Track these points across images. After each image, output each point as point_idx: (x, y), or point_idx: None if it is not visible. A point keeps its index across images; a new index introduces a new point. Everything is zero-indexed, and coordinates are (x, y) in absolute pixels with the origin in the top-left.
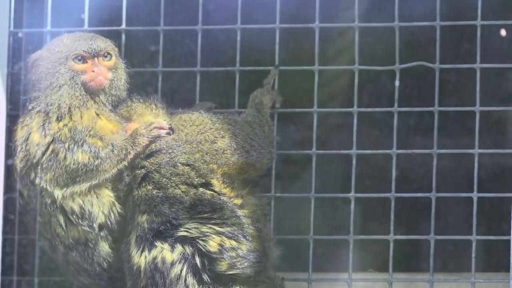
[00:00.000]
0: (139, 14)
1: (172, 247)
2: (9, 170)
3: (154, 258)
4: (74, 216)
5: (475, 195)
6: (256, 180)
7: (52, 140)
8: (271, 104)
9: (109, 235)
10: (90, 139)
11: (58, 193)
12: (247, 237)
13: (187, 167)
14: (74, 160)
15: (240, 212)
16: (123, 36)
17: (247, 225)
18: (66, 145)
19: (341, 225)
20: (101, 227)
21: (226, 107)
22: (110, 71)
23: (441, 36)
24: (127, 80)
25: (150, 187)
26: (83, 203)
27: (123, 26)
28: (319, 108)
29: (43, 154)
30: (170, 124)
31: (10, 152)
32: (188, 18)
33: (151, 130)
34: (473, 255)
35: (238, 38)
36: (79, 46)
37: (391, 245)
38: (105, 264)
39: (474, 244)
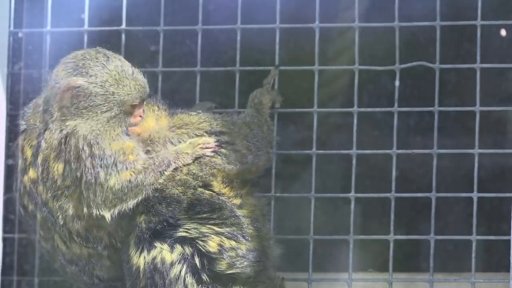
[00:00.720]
0: (139, 14)
1: (172, 248)
2: (9, 170)
3: (154, 259)
4: (79, 238)
5: (475, 195)
6: (255, 180)
7: (81, 174)
8: (271, 104)
9: (114, 253)
10: (122, 157)
11: (107, 215)
12: (246, 237)
13: (185, 176)
14: (117, 180)
15: (239, 212)
16: (123, 36)
17: (246, 225)
18: (103, 169)
19: (341, 225)
20: (105, 247)
21: (226, 107)
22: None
23: (441, 36)
24: None
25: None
26: (88, 225)
27: (123, 26)
28: (319, 108)
29: (73, 182)
30: (217, 141)
31: (10, 152)
32: (188, 18)
33: (195, 150)
34: (473, 255)
35: (238, 38)
36: (139, 94)
37: (391, 245)
38: (105, 277)
39: (474, 244)
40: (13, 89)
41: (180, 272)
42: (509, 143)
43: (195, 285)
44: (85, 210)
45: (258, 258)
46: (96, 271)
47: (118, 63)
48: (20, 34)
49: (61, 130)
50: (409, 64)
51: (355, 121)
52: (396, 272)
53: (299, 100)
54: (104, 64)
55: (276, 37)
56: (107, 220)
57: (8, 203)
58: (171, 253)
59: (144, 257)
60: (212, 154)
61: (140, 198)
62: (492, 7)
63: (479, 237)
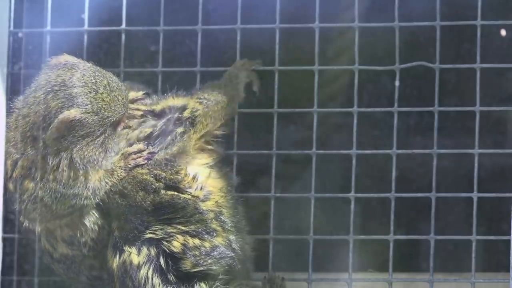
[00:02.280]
0: (139, 14)
1: (139, 250)
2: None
3: (124, 262)
4: (64, 243)
5: (475, 195)
6: (216, 157)
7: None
8: (246, 82)
9: (99, 255)
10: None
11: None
12: (211, 232)
13: (146, 176)
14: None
15: (203, 207)
16: (123, 36)
17: (210, 220)
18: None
19: (341, 225)
20: (90, 250)
21: None
22: None
23: (441, 36)
24: None
25: (116, 196)
26: (71, 231)
27: (123, 26)
28: (319, 108)
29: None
30: (148, 145)
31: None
32: (188, 18)
33: (127, 162)
34: (473, 255)
35: (238, 38)
36: (126, 107)
37: (391, 245)
38: (92, 275)
39: (474, 244)
40: (13, 89)
41: (147, 273)
42: (509, 143)
43: (162, 285)
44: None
45: (223, 254)
46: (83, 269)
47: (104, 82)
48: (20, 34)
49: (55, 159)
50: (409, 64)
51: (355, 121)
52: (396, 272)
53: (299, 100)
54: (95, 90)
55: (276, 37)
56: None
57: (8, 203)
58: (138, 255)
59: (116, 261)
60: (144, 162)
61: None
62: (492, 7)
63: (479, 237)
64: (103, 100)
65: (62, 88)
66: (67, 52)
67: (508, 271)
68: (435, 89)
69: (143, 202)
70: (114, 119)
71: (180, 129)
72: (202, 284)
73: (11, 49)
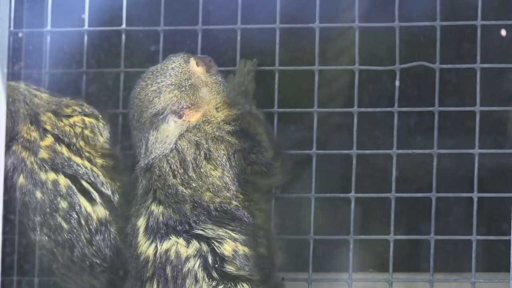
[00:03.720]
0: (139, 14)
1: (188, 242)
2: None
3: (167, 251)
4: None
5: (475, 195)
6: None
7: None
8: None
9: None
10: None
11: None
12: (259, 245)
13: (219, 183)
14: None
15: (255, 223)
16: (123, 36)
17: (260, 235)
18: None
19: (341, 225)
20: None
21: None
22: None
23: (441, 36)
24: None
25: (177, 181)
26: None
27: (123, 26)
28: (319, 108)
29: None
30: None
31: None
32: (188, 18)
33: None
34: (473, 255)
35: (238, 38)
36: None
37: (391, 245)
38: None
39: (474, 244)
40: None
41: (194, 266)
42: (509, 143)
43: (206, 279)
44: None
45: (266, 265)
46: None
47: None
48: (20, 34)
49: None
50: (409, 64)
51: (355, 121)
52: (396, 272)
53: (299, 100)
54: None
55: (276, 37)
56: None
57: (8, 203)
58: (187, 247)
59: (156, 247)
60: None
61: None
62: (492, 7)
63: (479, 237)
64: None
65: None
66: (67, 52)
67: (508, 271)
68: (435, 89)
69: (208, 206)
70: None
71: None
72: (245, 285)
73: (11, 49)
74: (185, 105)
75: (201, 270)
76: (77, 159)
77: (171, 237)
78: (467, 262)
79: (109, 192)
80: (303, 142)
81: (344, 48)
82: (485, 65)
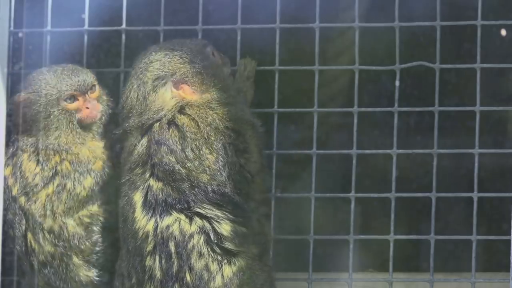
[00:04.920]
0: (139, 14)
1: (190, 219)
2: None
3: (168, 226)
4: (51, 235)
5: (475, 195)
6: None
7: (54, 174)
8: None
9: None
10: (93, 165)
11: (70, 222)
12: (255, 225)
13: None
14: (83, 187)
15: (249, 208)
16: (123, 36)
17: (254, 218)
18: (72, 176)
19: (341, 225)
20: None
21: None
22: (98, 102)
23: (441, 36)
24: (108, 100)
25: (173, 159)
26: (63, 224)
27: (123, 26)
28: (319, 108)
29: (45, 187)
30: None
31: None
32: (188, 18)
33: None
34: (473, 255)
35: (238, 38)
36: (68, 86)
37: (391, 245)
38: (81, 280)
39: (474, 244)
40: (13, 89)
41: (198, 242)
42: (509, 143)
43: (212, 254)
44: (49, 213)
45: (263, 241)
46: (70, 272)
47: (54, 68)
48: (20, 34)
49: (33, 148)
50: (409, 64)
51: (355, 121)
52: (396, 272)
53: (299, 100)
54: (43, 78)
55: (276, 37)
56: (71, 226)
57: (7, 203)
58: (190, 224)
59: (156, 222)
60: None
61: (102, 201)
62: (492, 7)
63: (479, 237)
64: (48, 82)
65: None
66: (67, 52)
67: (508, 271)
68: (435, 89)
69: (205, 186)
70: (59, 96)
71: None
72: (242, 261)
73: (11, 49)
74: (186, 80)
75: (205, 246)
76: None
77: (172, 212)
78: (467, 262)
79: None
80: (303, 142)
81: (344, 48)
82: (485, 65)
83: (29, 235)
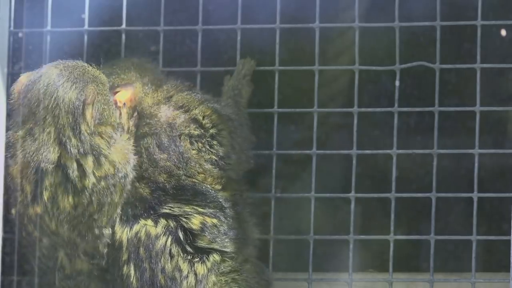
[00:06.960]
0: (139, 14)
1: (156, 222)
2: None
3: (137, 233)
4: (85, 256)
5: (475, 195)
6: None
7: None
8: (248, 98)
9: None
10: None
11: (107, 232)
12: (228, 217)
13: (168, 163)
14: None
15: (220, 196)
16: (123, 36)
17: (227, 208)
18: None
19: (341, 225)
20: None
21: None
22: None
23: (441, 36)
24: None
25: (136, 178)
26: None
27: (123, 26)
28: (319, 108)
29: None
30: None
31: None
32: (188, 18)
33: None
34: (473, 255)
35: (238, 38)
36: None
37: (391, 245)
38: None
39: (474, 244)
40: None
41: (165, 243)
42: (509, 143)
43: (181, 254)
44: (96, 231)
45: (238, 235)
46: (90, 285)
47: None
48: (20, 34)
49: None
50: (409, 64)
51: (355, 121)
52: (396, 272)
53: (299, 100)
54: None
55: (276, 37)
56: (107, 236)
57: (8, 203)
58: (156, 227)
59: (127, 232)
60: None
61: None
62: (492, 7)
63: (479, 237)
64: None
65: None
66: (67, 52)
67: (508, 271)
68: (435, 89)
69: (164, 185)
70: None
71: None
72: (216, 256)
73: (11, 49)
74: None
75: (175, 246)
76: None
77: (139, 220)
78: (467, 262)
79: None
80: (303, 142)
81: (344, 48)
82: (485, 65)
83: None
